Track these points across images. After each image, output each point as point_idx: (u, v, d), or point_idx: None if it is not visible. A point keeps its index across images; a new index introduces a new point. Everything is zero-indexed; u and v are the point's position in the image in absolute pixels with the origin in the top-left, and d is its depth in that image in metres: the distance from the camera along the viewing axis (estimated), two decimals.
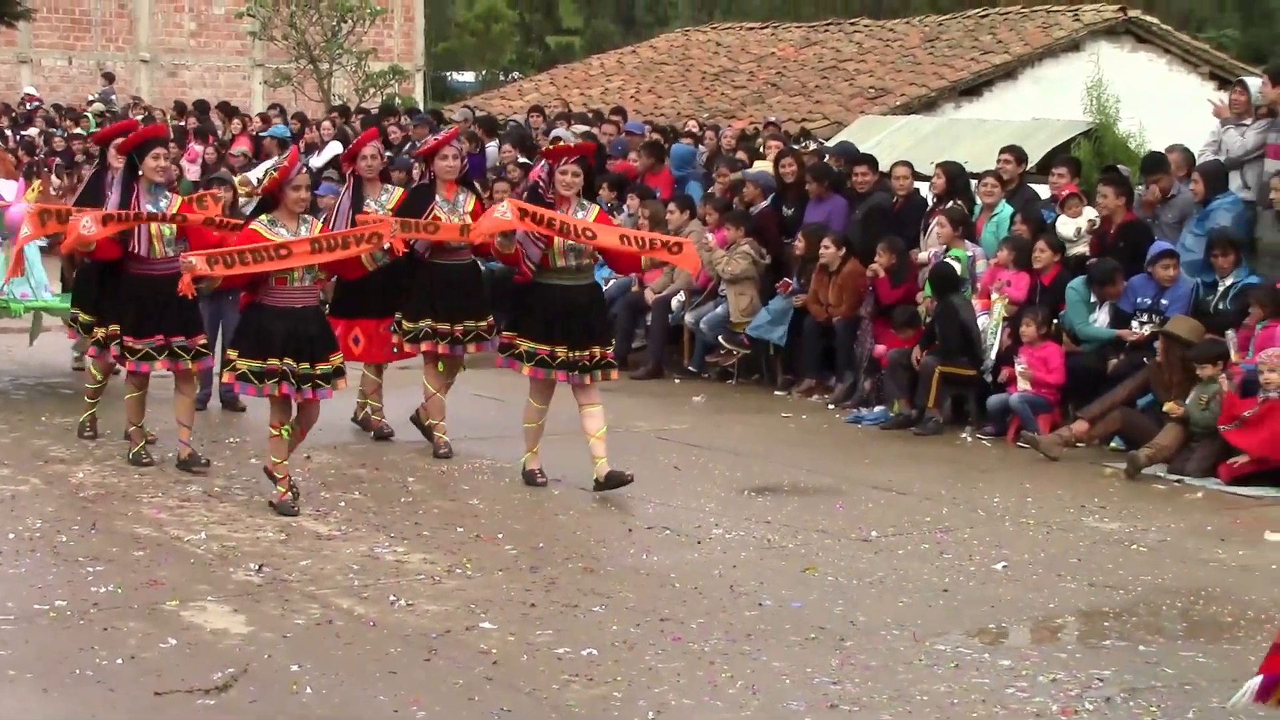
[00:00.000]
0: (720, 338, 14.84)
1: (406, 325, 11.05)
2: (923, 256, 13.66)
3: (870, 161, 14.88)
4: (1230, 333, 11.80)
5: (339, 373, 9.53)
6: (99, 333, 10.61)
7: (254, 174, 16.53)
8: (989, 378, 12.80)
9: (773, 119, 20.70)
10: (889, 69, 24.78)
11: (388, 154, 19.94)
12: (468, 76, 62.08)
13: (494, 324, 11.21)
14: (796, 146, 17.37)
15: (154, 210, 10.27)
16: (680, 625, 7.62)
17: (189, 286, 9.17)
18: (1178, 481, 11.16)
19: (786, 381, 14.50)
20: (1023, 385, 12.35)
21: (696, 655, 7.20)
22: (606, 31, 71.49)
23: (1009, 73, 23.51)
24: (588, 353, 10.14)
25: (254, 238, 9.30)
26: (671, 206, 15.38)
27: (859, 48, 26.89)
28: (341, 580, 8.19)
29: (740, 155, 16.79)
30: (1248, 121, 12.70)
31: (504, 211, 9.98)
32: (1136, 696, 6.85)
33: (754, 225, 14.80)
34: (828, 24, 30.14)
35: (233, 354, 9.39)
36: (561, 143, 11.07)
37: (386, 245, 9.64)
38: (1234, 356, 11.56)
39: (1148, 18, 25.15)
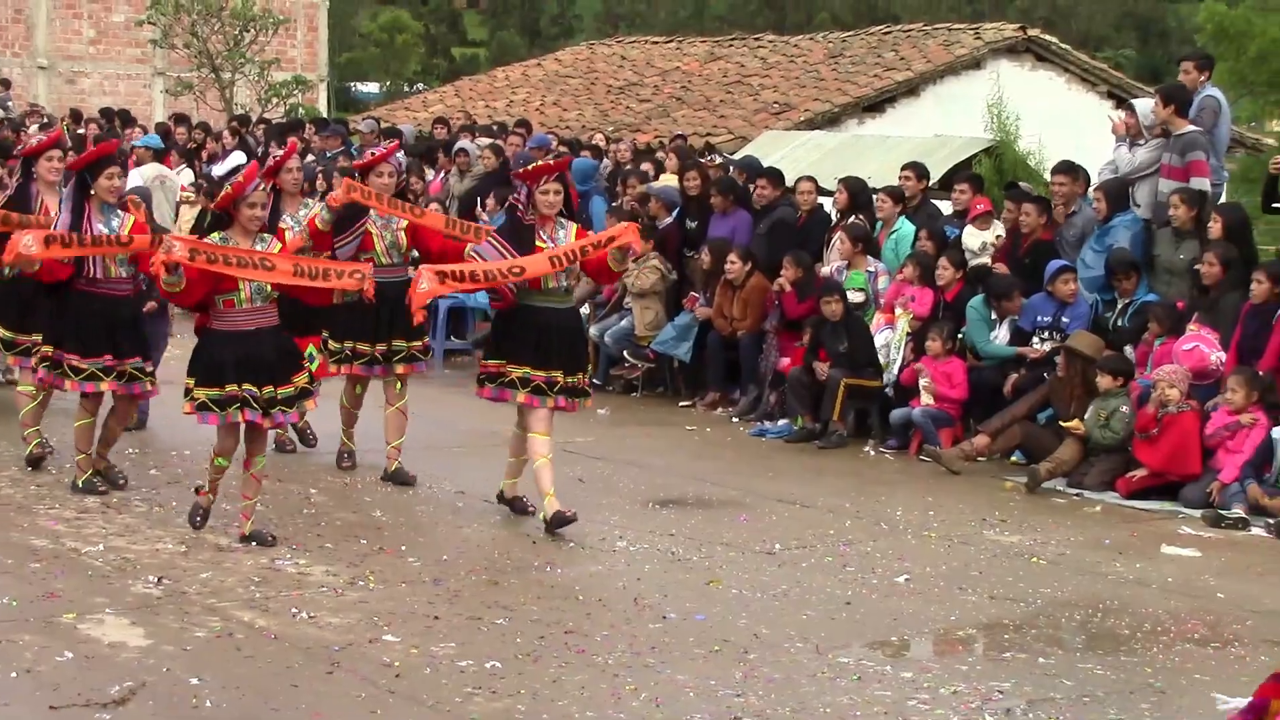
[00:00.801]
0: (625, 351, 14.85)
1: (332, 345, 10.69)
2: (826, 271, 13.74)
3: (771, 175, 14.95)
4: (1129, 349, 11.97)
5: (304, 394, 9.12)
6: (44, 352, 9.95)
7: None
8: (891, 392, 12.91)
9: (679, 133, 20.75)
10: (793, 84, 24.93)
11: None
12: (372, 87, 61.88)
13: (429, 345, 11.04)
14: (702, 160, 17.40)
15: (107, 231, 9.69)
16: (584, 638, 7.61)
17: (160, 267, 8.50)
18: (1077, 495, 11.30)
19: (691, 395, 14.53)
20: (925, 399, 12.45)
21: (600, 668, 7.19)
22: (512, 44, 71.43)
23: (912, 89, 23.72)
24: (575, 379, 9.72)
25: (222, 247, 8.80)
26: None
27: (764, 63, 27.03)
28: (242, 593, 8.11)
29: (646, 168, 16.82)
30: (1141, 141, 12.88)
31: (424, 282, 9.27)
32: (1036, 708, 6.91)
33: (660, 239, 14.83)
34: (732, 39, 30.30)
35: (189, 382, 8.91)
36: (538, 162, 10.34)
37: (365, 287, 8.97)
38: (1134, 372, 11.72)
39: (1047, 37, 25.46)
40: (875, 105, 23.54)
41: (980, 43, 24.41)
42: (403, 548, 9.09)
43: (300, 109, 29.20)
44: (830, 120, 22.95)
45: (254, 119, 25.55)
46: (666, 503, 10.58)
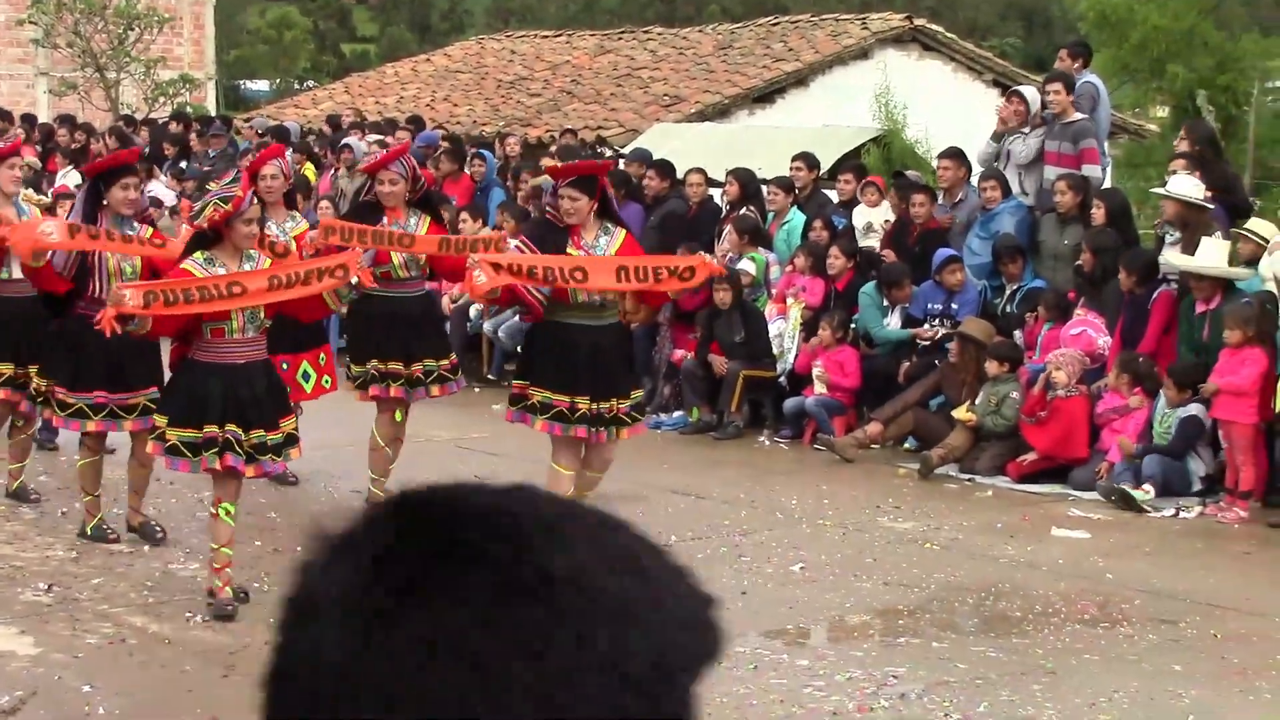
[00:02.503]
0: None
1: (354, 369, 9.63)
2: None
3: (659, 166, 15.01)
4: (1017, 334, 12.13)
5: (291, 440, 8.00)
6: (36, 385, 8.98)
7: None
8: (785, 382, 12.99)
9: (567, 128, 20.74)
10: (683, 76, 24.98)
11: (186, 164, 19.66)
12: (261, 85, 61.29)
13: (458, 363, 10.08)
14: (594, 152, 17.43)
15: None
16: None
17: (111, 322, 7.39)
18: (969, 480, 11.43)
19: None
20: (819, 389, 12.53)
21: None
22: (402, 39, 71.07)
23: (800, 80, 23.82)
24: (608, 405, 8.74)
25: (188, 279, 7.62)
26: (464, 215, 15.35)
27: (653, 55, 27.06)
28: (135, 598, 8.04)
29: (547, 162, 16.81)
30: (1026, 130, 13.06)
31: (479, 274, 8.42)
32: (930, 692, 6.99)
33: None
34: (622, 32, 30.31)
35: (160, 421, 7.76)
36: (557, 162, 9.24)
37: (354, 280, 7.93)
38: (1024, 357, 11.88)
39: (933, 26, 25.66)
40: (765, 96, 23.62)
41: (867, 33, 24.56)
42: (298, 549, 8.99)
43: (188, 107, 28.89)
44: (721, 112, 23.00)
45: (140, 118, 25.28)
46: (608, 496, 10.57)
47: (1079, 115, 12.74)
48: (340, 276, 7.86)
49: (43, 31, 30.03)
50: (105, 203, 8.60)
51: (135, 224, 8.75)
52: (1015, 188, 12.93)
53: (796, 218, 13.90)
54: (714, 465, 11.78)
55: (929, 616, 8.18)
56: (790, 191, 14.13)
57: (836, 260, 12.93)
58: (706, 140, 19.49)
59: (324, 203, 15.40)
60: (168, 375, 8.39)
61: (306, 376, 9.98)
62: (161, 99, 29.18)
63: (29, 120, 24.95)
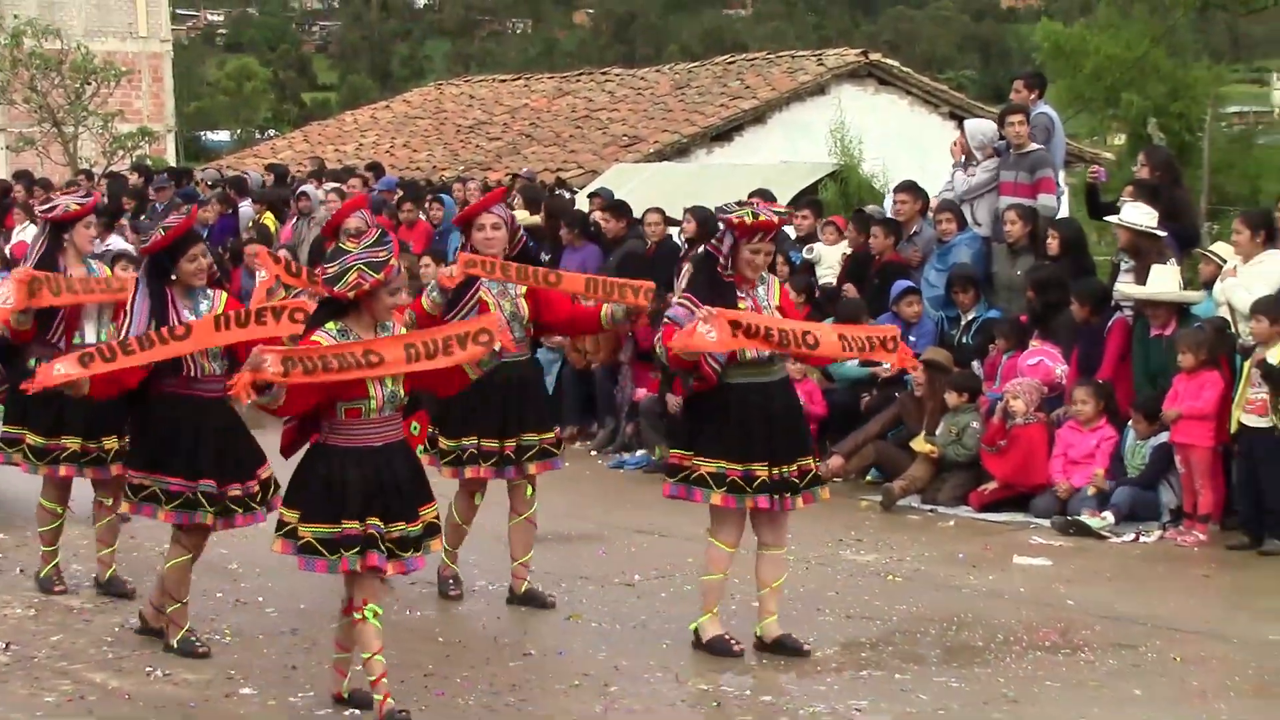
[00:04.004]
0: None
1: (445, 444, 8.77)
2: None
3: (613, 207, 15.09)
4: (976, 364, 12.18)
5: (432, 531, 7.12)
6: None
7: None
8: None
9: (519, 172, 20.81)
10: (641, 117, 25.10)
11: (144, 217, 19.61)
12: (222, 135, 61.38)
13: (560, 435, 9.26)
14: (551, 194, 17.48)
15: (194, 319, 7.67)
16: (444, 680, 7.59)
17: (246, 388, 6.58)
18: (931, 511, 11.46)
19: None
20: None
21: (460, 710, 7.18)
22: (363, 86, 71.23)
23: (758, 117, 23.97)
24: (795, 468, 7.92)
25: (324, 347, 6.77)
26: (425, 259, 15.34)
27: (611, 96, 27.19)
28: (95, 654, 7.99)
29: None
30: (974, 162, 13.16)
31: (709, 330, 7.49)
32: None
33: None
34: (580, 74, 30.46)
35: (290, 516, 6.91)
36: (750, 213, 7.83)
37: (497, 347, 6.96)
38: (983, 386, 11.93)
39: (889, 61, 25.85)
40: (723, 134, 23.76)
41: (823, 69, 24.73)
42: (260, 599, 9.01)
43: (148, 160, 28.88)
44: (679, 151, 23.13)
45: (99, 174, 25.26)
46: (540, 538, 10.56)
47: (1035, 145, 12.84)
48: (484, 343, 6.89)
49: None
50: (174, 277, 7.83)
51: (208, 291, 8.00)
52: (969, 219, 13.01)
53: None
54: (677, 504, 11.73)
55: (892, 648, 8.19)
56: None
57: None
58: (666, 179, 19.58)
59: (283, 250, 15.37)
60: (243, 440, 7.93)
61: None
62: (120, 152, 29.15)
63: None
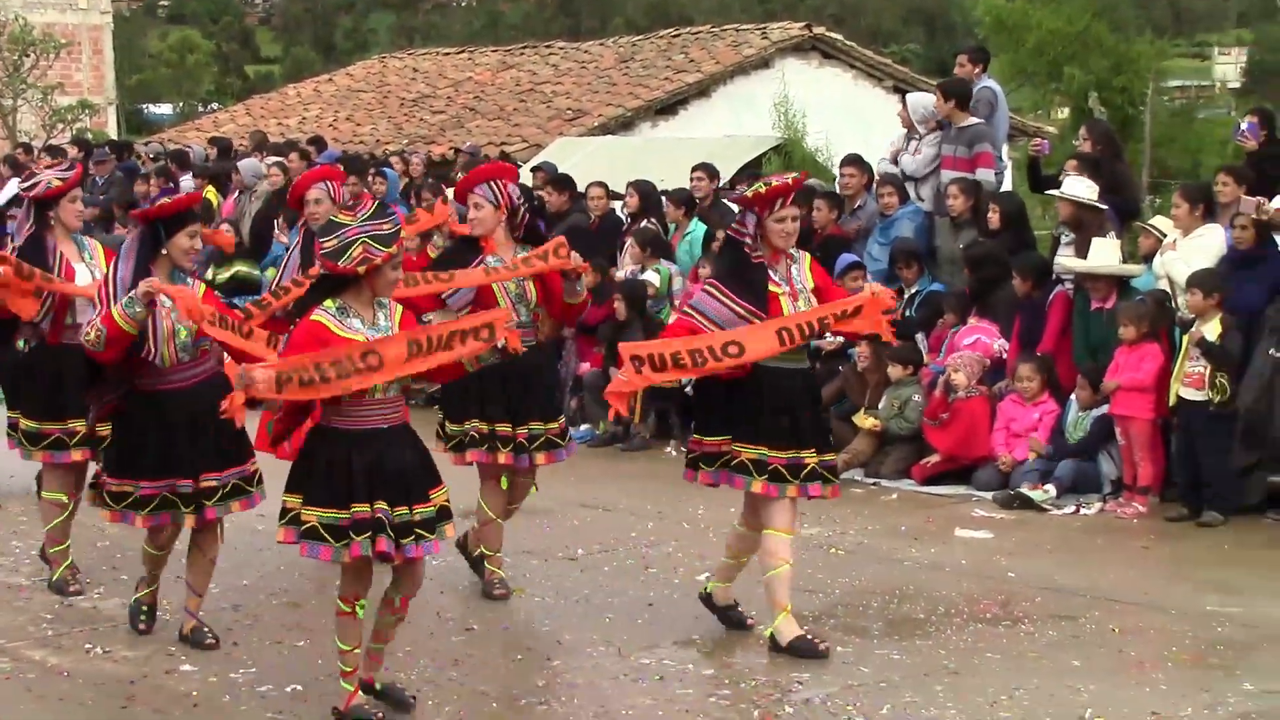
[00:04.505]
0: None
1: (450, 428, 8.52)
2: (620, 275, 13.83)
3: (556, 182, 15.10)
4: (920, 337, 12.23)
5: (444, 514, 6.74)
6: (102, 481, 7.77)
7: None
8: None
9: (462, 146, 20.72)
10: (586, 90, 25.02)
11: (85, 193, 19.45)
12: (165, 109, 60.79)
13: (567, 426, 8.87)
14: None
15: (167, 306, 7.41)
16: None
17: (239, 409, 6.30)
18: (874, 484, 11.52)
19: None
20: None
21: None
22: (307, 59, 70.77)
23: (702, 91, 23.92)
24: (827, 456, 7.77)
25: (322, 335, 6.42)
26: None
27: (555, 70, 27.09)
28: (34, 631, 7.95)
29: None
30: (916, 136, 13.19)
31: (619, 372, 7.56)
32: (835, 697, 7.04)
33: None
34: (524, 47, 30.31)
35: (293, 501, 6.56)
36: (762, 184, 7.58)
37: (501, 343, 6.64)
38: (925, 359, 11.98)
39: (833, 34, 25.84)
40: (668, 108, 23.70)
41: (767, 42, 24.70)
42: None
43: (88, 133, 28.63)
44: (624, 124, 23.07)
45: (39, 147, 25.01)
46: (469, 514, 10.53)
47: (974, 120, 12.87)
48: (485, 339, 6.60)
49: None
50: (164, 251, 7.41)
51: (188, 279, 7.59)
52: (912, 194, 13.05)
53: (698, 229, 13.95)
54: (621, 477, 11.80)
55: (834, 621, 8.22)
56: (684, 205, 14.19)
57: None
58: (610, 153, 19.53)
59: (224, 225, 15.29)
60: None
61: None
62: (60, 125, 28.89)
63: None
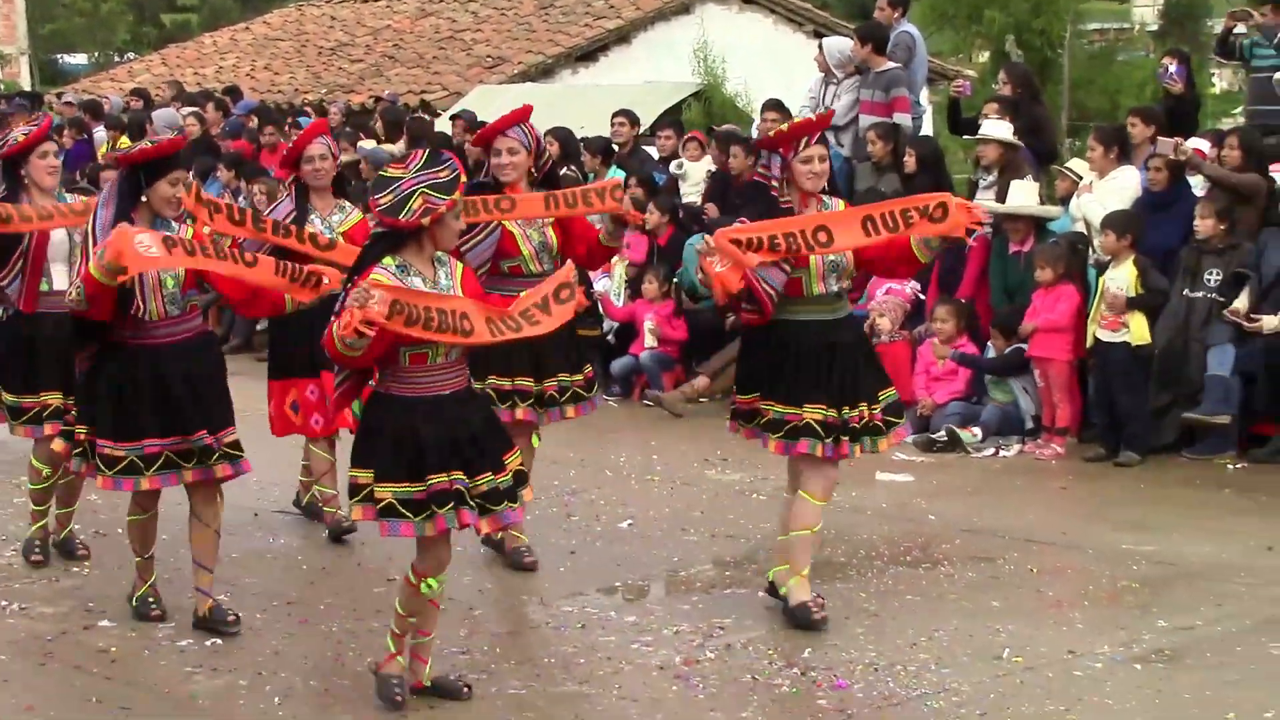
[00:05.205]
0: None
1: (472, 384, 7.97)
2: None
3: (476, 129, 14.98)
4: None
5: (521, 479, 6.34)
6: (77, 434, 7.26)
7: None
8: (612, 339, 13.02)
9: (381, 95, 20.57)
10: (505, 37, 24.87)
11: None
12: (79, 59, 59.91)
13: (594, 376, 8.45)
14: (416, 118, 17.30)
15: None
16: (307, 607, 7.56)
17: (358, 326, 5.77)
18: None
19: None
20: (650, 343, 12.58)
21: (324, 636, 7.16)
22: (224, 7, 69.77)
23: (622, 37, 23.84)
24: (858, 412, 7.23)
25: (425, 296, 6.01)
26: (283, 186, 15.12)
27: (475, 17, 26.90)
28: None
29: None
30: (834, 80, 13.21)
31: (714, 261, 6.91)
32: (756, 642, 7.07)
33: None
34: None
35: (364, 476, 6.13)
36: (779, 126, 7.44)
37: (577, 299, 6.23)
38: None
39: None
40: (588, 55, 23.61)
41: None
42: (119, 530, 8.85)
43: (0, 84, 28.23)
44: (544, 72, 22.98)
45: None
46: None
47: (891, 64, 12.89)
48: (567, 299, 6.18)
49: None
50: (145, 199, 7.00)
51: (173, 225, 7.08)
52: (832, 140, 13.04)
53: (616, 175, 13.91)
54: (543, 426, 11.74)
55: (755, 566, 8.24)
56: (602, 153, 14.15)
57: (653, 215, 12.95)
58: (530, 101, 19.39)
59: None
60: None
61: (296, 407, 8.73)
62: None
63: None
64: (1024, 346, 10.78)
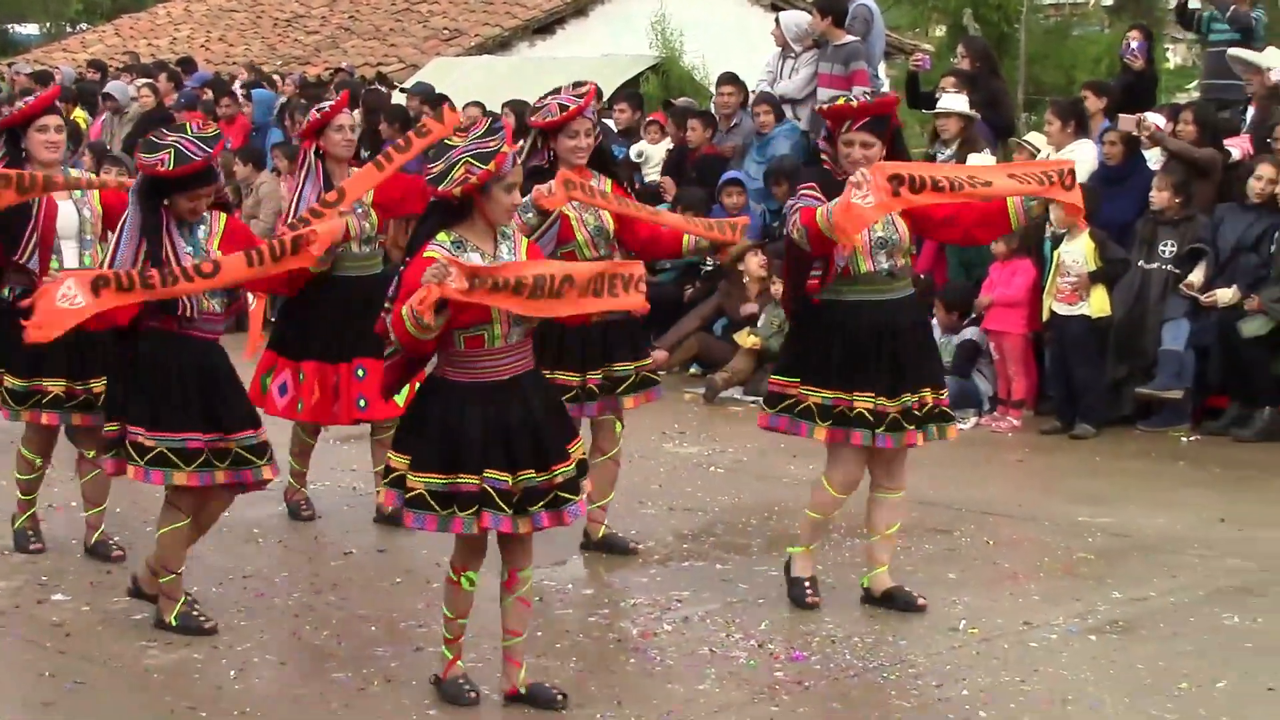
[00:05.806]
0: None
1: None
2: None
3: (435, 103, 14.93)
4: None
5: (582, 470, 6.00)
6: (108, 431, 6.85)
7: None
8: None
9: (340, 66, 20.47)
10: (462, 9, 24.76)
11: None
12: (31, 29, 59.37)
13: (656, 360, 7.98)
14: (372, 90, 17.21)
15: (191, 251, 6.65)
16: (264, 581, 7.53)
17: (427, 308, 5.48)
18: (754, 403, 11.49)
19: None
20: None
21: (281, 609, 7.14)
22: None
23: (580, 10, 23.75)
24: (916, 400, 6.88)
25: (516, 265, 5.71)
26: (237, 159, 15.07)
27: None
28: None
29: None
30: (792, 54, 13.21)
31: (864, 196, 6.34)
32: (714, 615, 7.08)
33: None
34: None
35: (400, 461, 5.83)
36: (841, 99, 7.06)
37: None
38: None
39: None
40: (545, 27, 23.53)
41: None
42: (73, 504, 8.81)
43: None
44: (501, 44, 22.89)
45: None
46: (348, 438, 10.46)
47: (849, 38, 12.90)
48: (638, 297, 5.81)
49: None
50: (165, 203, 6.66)
51: (205, 215, 6.78)
52: (789, 114, 13.06)
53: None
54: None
55: (713, 539, 8.27)
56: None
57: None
58: (487, 73, 19.39)
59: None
60: None
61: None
62: None
63: None
64: (971, 336, 10.83)
